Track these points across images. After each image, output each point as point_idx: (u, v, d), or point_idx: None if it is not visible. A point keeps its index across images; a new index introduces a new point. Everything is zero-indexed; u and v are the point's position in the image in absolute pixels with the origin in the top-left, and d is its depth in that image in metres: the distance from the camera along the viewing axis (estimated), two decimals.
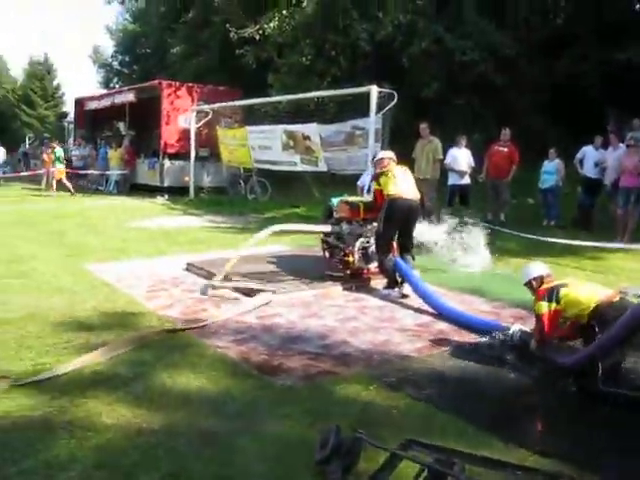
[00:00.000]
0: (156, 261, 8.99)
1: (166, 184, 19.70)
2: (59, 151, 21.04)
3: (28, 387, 4.24)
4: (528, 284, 5.13)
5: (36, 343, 5.16)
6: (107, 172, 22.33)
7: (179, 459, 3.38)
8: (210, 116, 18.88)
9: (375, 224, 7.23)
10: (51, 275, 7.94)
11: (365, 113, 12.55)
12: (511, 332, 5.13)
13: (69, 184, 20.52)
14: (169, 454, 3.42)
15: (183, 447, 3.50)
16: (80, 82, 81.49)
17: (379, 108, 12.14)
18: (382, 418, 3.86)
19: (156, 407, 4.01)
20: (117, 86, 39.71)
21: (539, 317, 4.81)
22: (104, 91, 35.99)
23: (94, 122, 25.46)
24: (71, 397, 4.10)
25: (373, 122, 12.15)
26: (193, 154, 18.79)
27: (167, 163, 19.77)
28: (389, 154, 7.54)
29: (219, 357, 4.96)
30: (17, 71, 59.51)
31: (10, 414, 3.87)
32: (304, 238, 10.11)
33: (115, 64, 45.44)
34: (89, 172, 23.19)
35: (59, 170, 20.58)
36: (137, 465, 3.31)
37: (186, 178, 19.05)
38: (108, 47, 48.31)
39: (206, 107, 19.05)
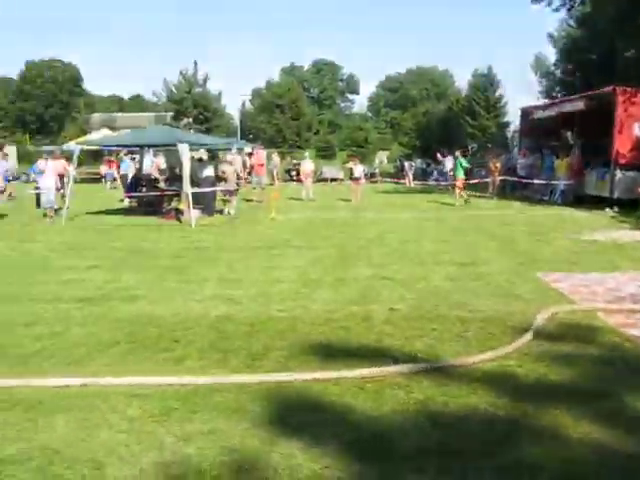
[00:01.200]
0: (611, 276, 8.72)
1: (616, 196, 19.00)
2: (462, 161, 22.30)
3: (489, 383, 4.58)
4: None
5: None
6: (552, 182, 22.30)
7: None
8: None
9: None
10: (504, 280, 8.38)
11: None
12: None
13: (462, 193, 21.60)
14: None
15: None
16: (520, 92, 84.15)
17: None
18: None
19: (626, 430, 3.86)
20: (559, 95, 39.50)
21: None
22: (546, 101, 36.22)
23: (539, 131, 25.72)
24: (535, 404, 4.23)
25: None
26: None
27: (618, 174, 19.06)
28: None
29: None
30: (462, 82, 64.05)
31: (473, 405, 4.21)
32: None
33: (557, 72, 45.25)
34: (533, 182, 23.41)
35: (459, 179, 21.86)
36: None
37: (639, 189, 18.00)
38: (550, 55, 48.49)
39: None
